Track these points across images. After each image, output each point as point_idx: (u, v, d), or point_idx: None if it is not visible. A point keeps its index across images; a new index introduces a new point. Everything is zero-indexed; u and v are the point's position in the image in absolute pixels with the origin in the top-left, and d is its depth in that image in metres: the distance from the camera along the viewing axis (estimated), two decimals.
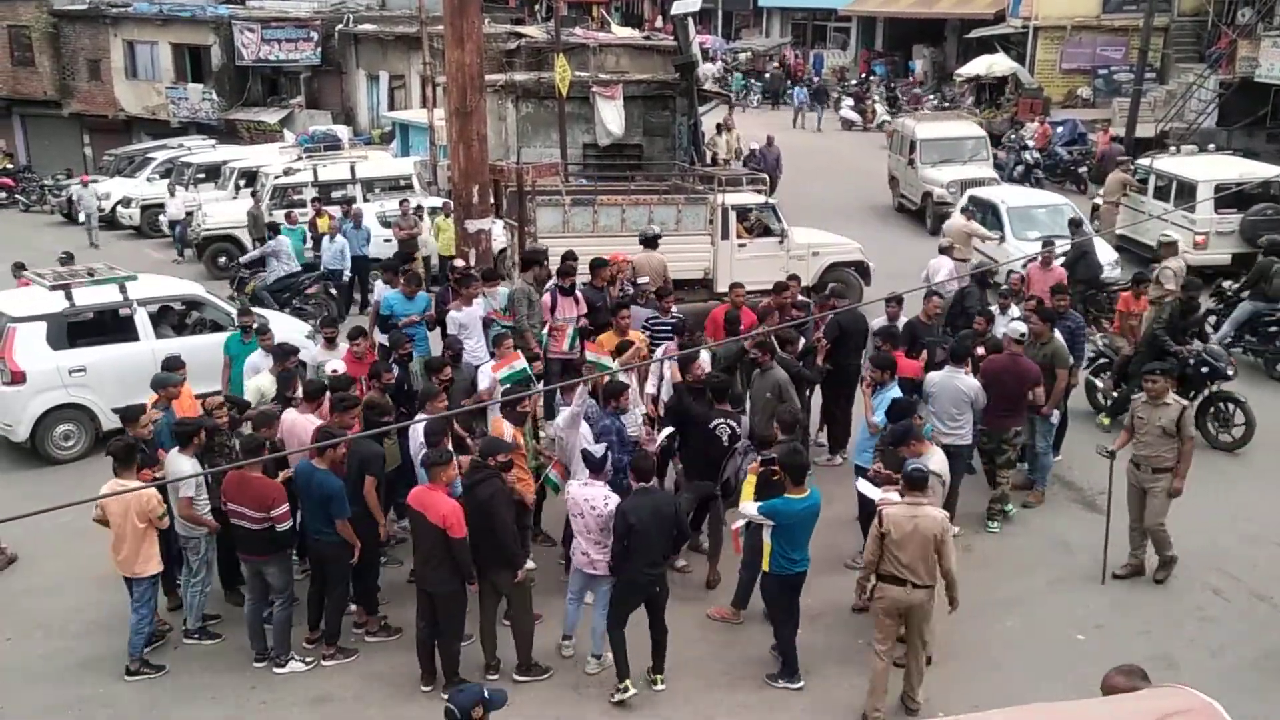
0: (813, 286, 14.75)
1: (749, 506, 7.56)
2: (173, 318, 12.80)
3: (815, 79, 38.99)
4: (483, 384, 9.47)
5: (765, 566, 7.61)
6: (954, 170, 21.46)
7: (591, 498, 7.57)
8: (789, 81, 38.89)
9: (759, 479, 7.73)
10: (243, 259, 18.11)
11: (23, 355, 11.40)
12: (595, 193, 15.77)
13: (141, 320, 12.04)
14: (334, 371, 9.46)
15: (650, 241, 13.22)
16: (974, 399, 9.29)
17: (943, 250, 14.25)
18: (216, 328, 12.44)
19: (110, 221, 24.67)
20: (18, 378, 11.36)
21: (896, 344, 9.98)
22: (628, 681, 7.59)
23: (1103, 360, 12.34)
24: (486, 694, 5.52)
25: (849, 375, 10.78)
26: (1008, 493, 10.02)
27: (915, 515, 6.95)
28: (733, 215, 15.39)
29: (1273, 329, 12.97)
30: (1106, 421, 11.80)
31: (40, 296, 11.97)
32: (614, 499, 7.55)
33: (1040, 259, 12.99)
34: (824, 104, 36.09)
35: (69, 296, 11.78)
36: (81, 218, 23.90)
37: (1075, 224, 15.66)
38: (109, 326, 12.21)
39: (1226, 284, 14.26)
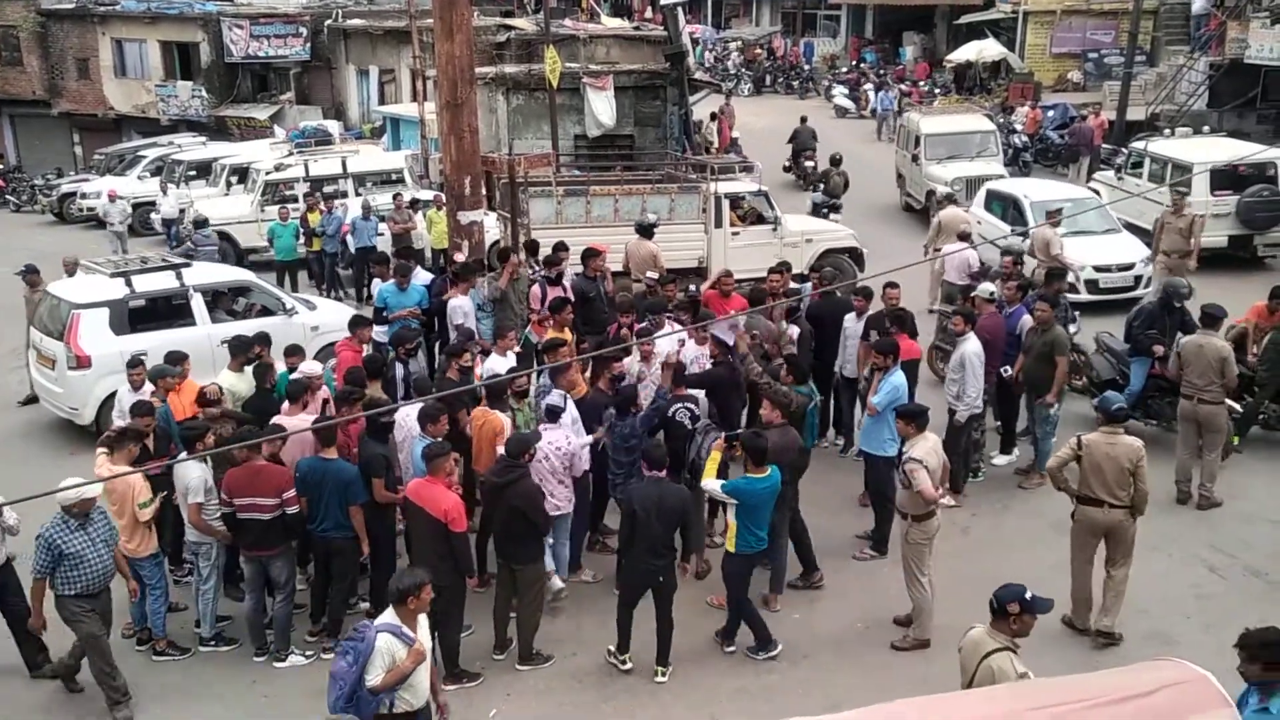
0: (811, 269, 14.71)
1: (710, 483, 7.77)
2: (226, 303, 13.07)
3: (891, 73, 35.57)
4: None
5: (730, 547, 7.77)
6: (959, 167, 20.39)
7: (554, 440, 8.20)
8: (826, 77, 35.75)
9: (723, 457, 7.94)
10: None
11: (87, 340, 11.77)
12: (588, 183, 15.78)
13: (198, 305, 12.39)
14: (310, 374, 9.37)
15: (646, 230, 13.20)
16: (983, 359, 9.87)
17: (962, 236, 14.11)
18: (265, 312, 12.85)
19: (101, 222, 24.52)
20: (83, 362, 11.72)
21: (904, 328, 10.05)
22: (627, 655, 7.86)
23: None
24: (1028, 595, 5.68)
25: (828, 363, 10.92)
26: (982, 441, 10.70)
27: (1114, 443, 7.76)
28: (725, 203, 15.40)
29: None
30: (1235, 440, 10.70)
31: (101, 284, 12.31)
32: (576, 440, 8.35)
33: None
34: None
35: (129, 283, 12.13)
36: (115, 226, 21.77)
37: (836, 161, 16.58)
38: (167, 312, 12.54)
39: None
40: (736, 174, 17.27)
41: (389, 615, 5.95)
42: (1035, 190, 17.20)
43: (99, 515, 7.42)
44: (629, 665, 7.87)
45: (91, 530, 7.30)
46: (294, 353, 9.70)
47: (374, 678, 5.73)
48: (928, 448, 7.87)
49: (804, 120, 24.80)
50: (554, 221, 14.38)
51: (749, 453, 7.63)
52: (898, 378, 9.09)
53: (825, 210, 19.08)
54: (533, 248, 12.61)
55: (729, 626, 8.12)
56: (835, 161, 20.53)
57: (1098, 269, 15.15)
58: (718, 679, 7.85)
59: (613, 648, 7.95)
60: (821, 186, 20.35)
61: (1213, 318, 9.99)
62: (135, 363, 9.76)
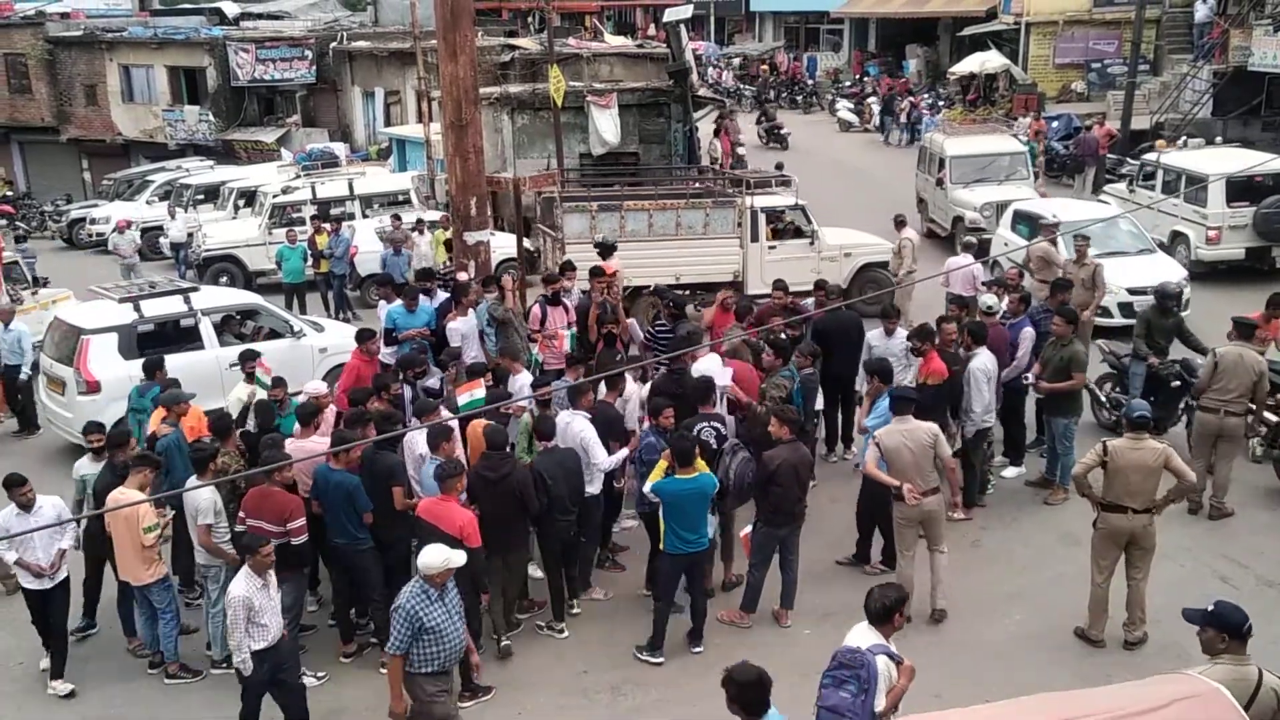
0: (815, 285, 14.65)
1: (646, 485, 8.08)
2: (234, 326, 13.14)
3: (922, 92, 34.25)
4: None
5: (661, 545, 8.04)
6: (988, 191, 18.96)
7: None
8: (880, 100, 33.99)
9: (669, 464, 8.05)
10: None
11: (96, 365, 11.84)
12: (623, 197, 15.79)
13: (206, 329, 12.48)
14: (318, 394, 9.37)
15: (607, 249, 13.11)
16: (993, 375, 9.93)
17: (966, 248, 14.02)
18: (273, 334, 12.93)
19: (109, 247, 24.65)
20: (93, 387, 11.77)
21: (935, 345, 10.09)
22: (563, 625, 8.58)
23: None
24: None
25: (839, 377, 10.95)
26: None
27: (1139, 448, 7.80)
28: (762, 217, 15.39)
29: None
30: (1260, 452, 10.63)
31: (110, 309, 12.36)
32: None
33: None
34: (894, 117, 31.81)
35: (138, 308, 12.20)
36: (126, 258, 21.17)
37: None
38: (175, 336, 12.60)
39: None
40: (773, 188, 17.21)
41: (871, 635, 5.61)
42: (1063, 210, 15.99)
43: (452, 584, 6.73)
44: (566, 634, 8.48)
45: (448, 600, 6.64)
46: (278, 385, 9.64)
47: (879, 703, 5.42)
48: (895, 429, 8.21)
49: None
50: (588, 237, 14.39)
51: (675, 455, 7.77)
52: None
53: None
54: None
55: (653, 636, 8.26)
56: None
57: (1131, 291, 14.01)
58: None
59: (542, 623, 8.50)
60: None
61: (1249, 327, 9.91)
62: (18, 481, 8.18)
